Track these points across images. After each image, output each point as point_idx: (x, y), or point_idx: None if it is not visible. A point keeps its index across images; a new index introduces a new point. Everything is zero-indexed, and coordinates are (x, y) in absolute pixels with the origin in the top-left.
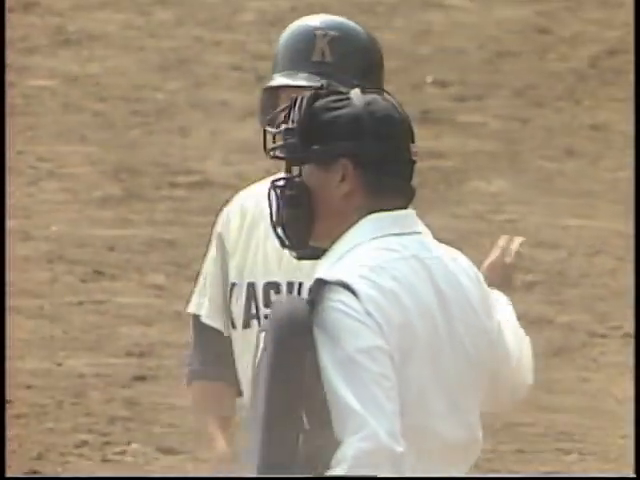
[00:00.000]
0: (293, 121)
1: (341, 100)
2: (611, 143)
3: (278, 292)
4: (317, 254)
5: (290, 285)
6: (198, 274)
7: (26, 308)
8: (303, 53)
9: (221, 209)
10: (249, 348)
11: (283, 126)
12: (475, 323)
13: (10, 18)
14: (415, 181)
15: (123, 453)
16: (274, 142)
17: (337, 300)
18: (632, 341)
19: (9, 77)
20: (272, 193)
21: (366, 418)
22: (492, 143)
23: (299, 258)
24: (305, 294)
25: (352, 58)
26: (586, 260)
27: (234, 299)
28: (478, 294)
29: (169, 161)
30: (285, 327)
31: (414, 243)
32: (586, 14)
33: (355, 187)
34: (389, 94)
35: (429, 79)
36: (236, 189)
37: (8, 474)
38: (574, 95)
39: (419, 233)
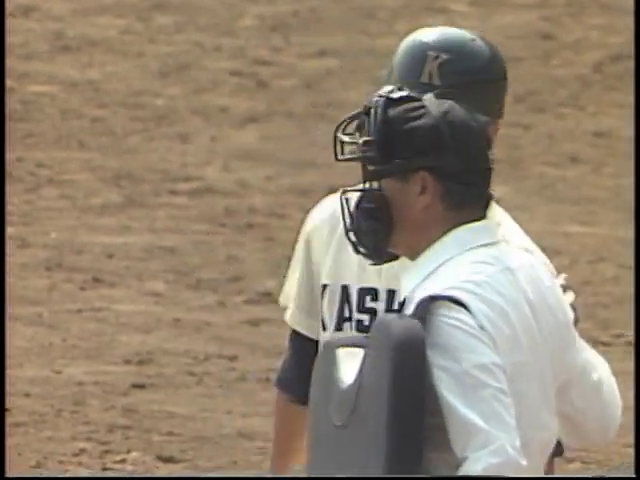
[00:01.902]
0: (370, 132)
1: (417, 109)
2: (614, 150)
3: (376, 299)
4: (392, 258)
5: (390, 293)
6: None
7: (24, 316)
8: (412, 73)
9: (308, 213)
10: None
11: (358, 136)
12: (556, 333)
13: (9, 23)
14: None
15: (123, 462)
16: (342, 148)
17: (450, 316)
18: (635, 349)
19: (8, 83)
20: (344, 202)
21: (491, 433)
22: (494, 149)
23: (375, 264)
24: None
25: (462, 82)
26: (588, 267)
27: (325, 301)
28: (555, 299)
29: (169, 167)
30: (406, 348)
31: (502, 254)
32: (589, 20)
33: (435, 199)
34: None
35: None
36: (237, 196)
37: None
38: (577, 101)
39: (501, 241)
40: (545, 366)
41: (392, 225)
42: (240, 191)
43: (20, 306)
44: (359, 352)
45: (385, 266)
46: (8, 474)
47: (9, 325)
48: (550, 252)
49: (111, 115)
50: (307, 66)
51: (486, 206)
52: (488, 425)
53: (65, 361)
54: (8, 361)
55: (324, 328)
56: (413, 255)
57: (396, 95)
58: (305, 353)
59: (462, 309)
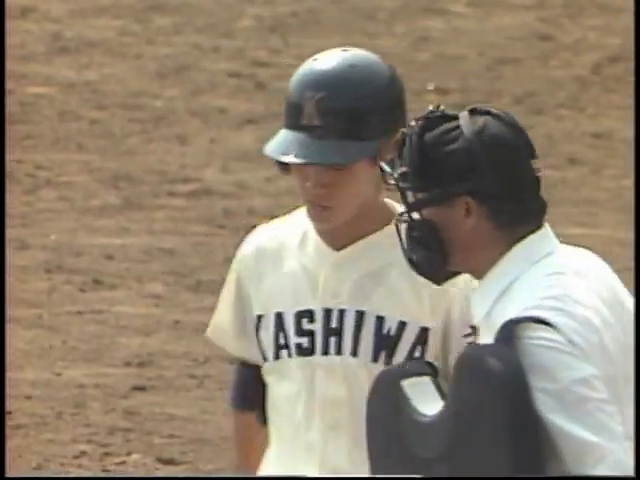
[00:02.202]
0: (406, 162)
1: (452, 130)
2: (614, 151)
3: (312, 320)
4: (453, 275)
5: (327, 312)
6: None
7: (24, 318)
8: (294, 116)
9: (240, 243)
10: (283, 378)
11: (398, 166)
12: (629, 327)
13: (7, 25)
14: None
15: (123, 464)
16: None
17: (538, 337)
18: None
19: (6, 85)
20: (398, 228)
21: (604, 447)
22: None
23: (438, 284)
24: (350, 321)
25: (342, 115)
26: None
27: (262, 332)
28: (620, 288)
29: (167, 169)
30: (508, 380)
31: (566, 259)
32: (588, 21)
33: (481, 220)
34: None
35: (430, 86)
36: (235, 198)
37: None
38: (576, 102)
39: (560, 245)
40: (631, 369)
41: (445, 249)
42: (239, 192)
43: (20, 308)
44: (426, 382)
45: (320, 285)
46: (8, 476)
47: (9, 327)
48: None
49: (109, 117)
50: None
51: (542, 215)
52: (599, 438)
53: (65, 363)
54: (8, 364)
55: (265, 359)
56: (476, 273)
57: (432, 116)
58: (252, 378)
59: (548, 327)
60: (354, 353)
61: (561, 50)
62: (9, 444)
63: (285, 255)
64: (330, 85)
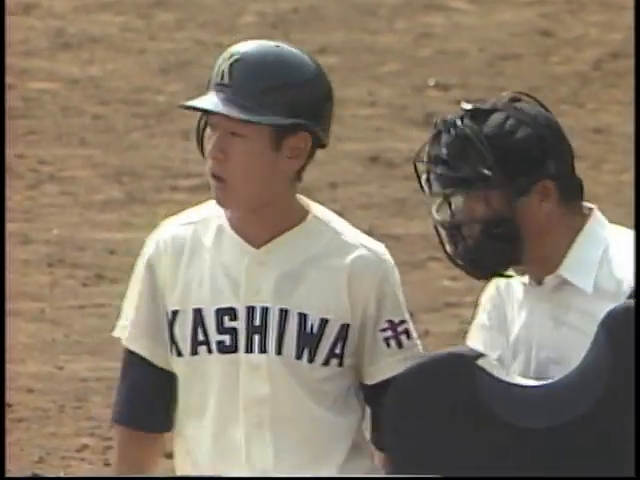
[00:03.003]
0: (480, 162)
1: (506, 120)
2: (614, 146)
3: (234, 318)
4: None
5: (250, 309)
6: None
7: (27, 312)
8: (213, 77)
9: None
10: (200, 376)
11: (441, 166)
12: None
13: (10, 21)
14: (418, 185)
15: None
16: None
17: None
18: (635, 348)
19: (9, 80)
20: (449, 232)
21: None
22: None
23: (487, 278)
24: (274, 319)
25: (250, 81)
26: None
27: (177, 327)
28: None
29: (170, 164)
30: None
31: (614, 228)
32: (589, 16)
33: (554, 201)
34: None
35: (431, 82)
36: None
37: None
38: (577, 98)
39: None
40: None
41: (522, 243)
42: None
43: (22, 302)
44: (494, 361)
45: (243, 284)
46: (11, 470)
47: (11, 321)
48: None
49: (112, 112)
50: None
51: (582, 186)
52: None
53: (67, 357)
54: (11, 357)
55: (179, 354)
56: (552, 258)
57: (474, 112)
58: (150, 381)
59: None
60: (278, 351)
61: (562, 46)
62: (11, 437)
63: (200, 251)
64: (249, 51)
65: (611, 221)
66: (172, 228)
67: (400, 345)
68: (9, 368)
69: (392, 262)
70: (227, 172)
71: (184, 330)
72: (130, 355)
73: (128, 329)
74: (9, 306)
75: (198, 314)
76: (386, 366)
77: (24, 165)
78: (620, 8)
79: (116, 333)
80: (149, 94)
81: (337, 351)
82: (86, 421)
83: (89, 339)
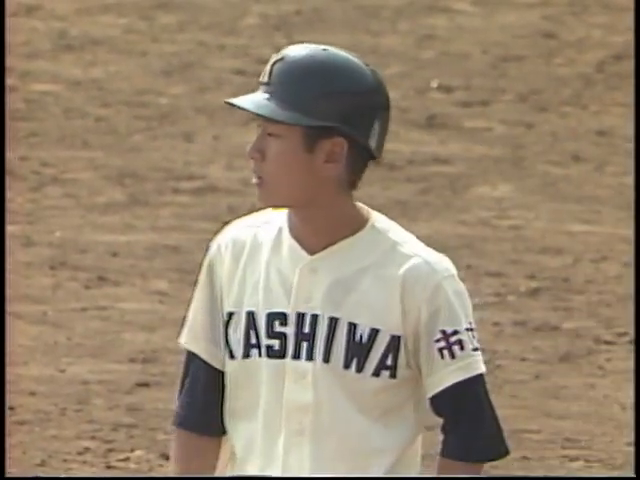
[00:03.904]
0: None
1: None
2: (617, 148)
3: (285, 323)
4: None
5: (300, 316)
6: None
7: (29, 314)
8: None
9: (212, 240)
10: (250, 379)
11: None
12: None
13: (12, 22)
14: (420, 187)
15: (127, 460)
16: None
17: None
18: (635, 348)
19: (11, 82)
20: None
21: None
22: (497, 148)
23: None
24: (323, 327)
25: (288, 81)
26: (592, 266)
27: (231, 329)
28: None
29: (172, 166)
30: None
31: None
32: (591, 18)
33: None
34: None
35: (434, 84)
36: (240, 195)
37: None
38: (580, 100)
39: None
40: None
41: None
42: (244, 189)
43: (24, 305)
44: None
45: (294, 289)
46: (13, 473)
47: (14, 324)
48: (553, 251)
49: (115, 114)
50: None
51: None
52: None
53: (70, 360)
54: (12, 359)
55: (232, 356)
56: None
57: None
58: (209, 383)
59: None
60: (326, 359)
61: (565, 48)
62: (13, 440)
63: (258, 254)
64: (294, 52)
65: (613, 223)
66: (235, 230)
67: (453, 356)
68: (11, 371)
69: (450, 272)
70: (264, 171)
71: (238, 332)
72: (190, 357)
73: (186, 331)
74: (11, 308)
75: (251, 317)
76: (441, 377)
77: (26, 167)
78: (623, 10)
79: (184, 340)
80: (151, 96)
81: (389, 362)
82: (88, 424)
83: (91, 342)
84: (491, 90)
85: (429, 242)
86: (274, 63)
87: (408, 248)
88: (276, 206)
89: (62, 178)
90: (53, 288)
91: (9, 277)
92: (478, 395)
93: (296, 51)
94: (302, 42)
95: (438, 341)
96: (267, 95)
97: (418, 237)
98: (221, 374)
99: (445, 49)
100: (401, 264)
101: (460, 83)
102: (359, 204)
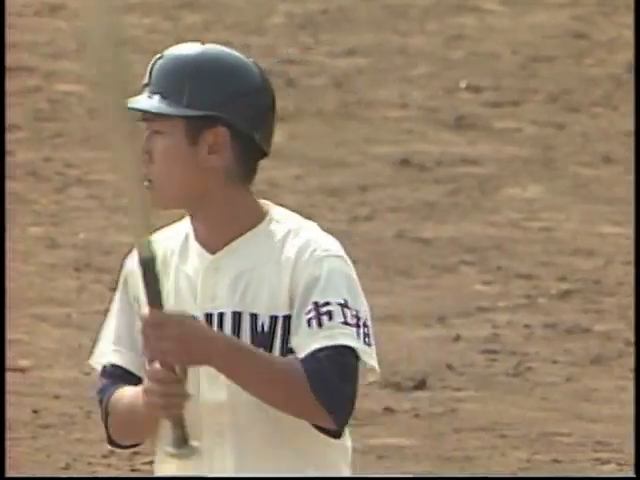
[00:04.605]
0: None
1: None
2: None
3: None
4: None
5: (208, 316)
6: None
7: (53, 317)
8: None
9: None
10: None
11: None
12: None
13: (36, 22)
14: (449, 188)
15: (151, 463)
16: None
17: None
18: (635, 348)
19: (35, 82)
20: None
21: None
22: (527, 149)
23: None
24: (228, 323)
25: (165, 77)
26: (623, 268)
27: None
28: None
29: None
30: None
31: None
32: (622, 19)
33: None
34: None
35: (463, 84)
36: (265, 195)
37: None
38: (611, 100)
39: None
40: None
41: None
42: (269, 190)
43: (49, 307)
44: None
45: (199, 291)
46: (36, 474)
47: (38, 326)
48: (584, 253)
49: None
50: (337, 65)
51: None
52: None
53: None
54: (37, 363)
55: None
56: None
57: None
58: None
59: None
60: None
61: (595, 48)
62: (37, 444)
63: (168, 261)
64: (170, 50)
65: None
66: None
67: (320, 324)
68: (35, 374)
69: (337, 252)
70: (152, 173)
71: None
72: (112, 367)
73: (106, 347)
74: (35, 311)
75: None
76: (306, 343)
77: (51, 168)
78: None
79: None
80: None
81: (288, 345)
82: None
83: None
84: (521, 90)
85: (458, 244)
86: (154, 63)
87: (303, 233)
88: (169, 207)
89: (86, 179)
90: (77, 290)
91: (33, 279)
92: (339, 364)
93: (174, 48)
94: (328, 42)
95: (309, 312)
96: (149, 94)
97: (446, 239)
98: (139, 380)
99: (474, 49)
100: (293, 249)
101: (489, 83)
102: (262, 200)
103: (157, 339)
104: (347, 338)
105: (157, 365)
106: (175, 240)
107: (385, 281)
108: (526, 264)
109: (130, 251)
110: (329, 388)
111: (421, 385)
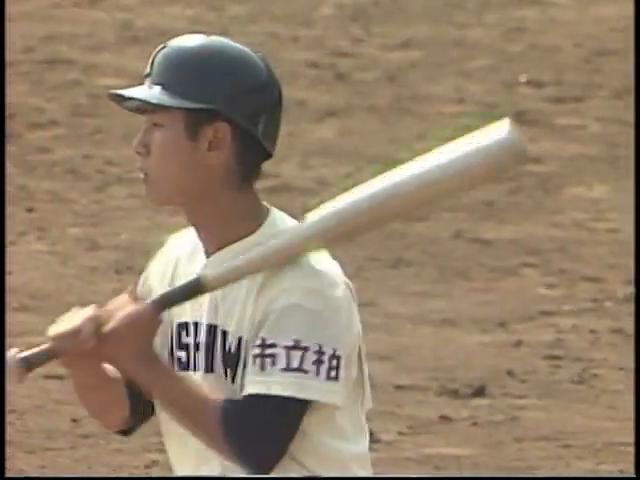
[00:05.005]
0: None
1: None
2: None
3: (188, 334)
4: None
5: (195, 325)
6: None
7: None
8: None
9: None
10: None
11: None
12: None
13: (75, 13)
14: (509, 187)
15: None
16: None
17: None
18: (634, 346)
19: (74, 76)
20: None
21: None
22: (592, 147)
23: None
24: (204, 335)
25: (167, 68)
26: None
27: (158, 339)
28: None
29: None
30: None
31: None
32: None
33: None
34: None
35: (523, 78)
36: (315, 194)
37: None
38: None
39: None
40: None
41: None
42: (319, 189)
43: None
44: None
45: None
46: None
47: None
48: None
49: None
50: (390, 58)
51: None
52: None
53: None
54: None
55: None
56: None
57: None
58: None
59: None
60: (210, 369)
61: None
62: (77, 454)
63: (179, 264)
64: (174, 41)
65: None
66: (167, 244)
67: (262, 367)
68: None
69: (310, 285)
70: (148, 166)
71: (161, 342)
72: None
73: None
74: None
75: (170, 327)
76: (245, 384)
77: (91, 166)
78: None
79: None
80: None
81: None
82: (155, 436)
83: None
84: (584, 86)
85: (519, 245)
86: (156, 53)
87: None
88: (164, 203)
89: (128, 177)
90: (119, 294)
91: (72, 283)
92: (264, 418)
93: (178, 39)
94: (380, 34)
95: (255, 348)
96: (149, 85)
97: (507, 240)
98: None
99: (535, 42)
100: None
101: (551, 78)
102: (266, 206)
103: (114, 319)
104: (284, 388)
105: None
106: (189, 242)
107: (442, 284)
108: (592, 267)
109: (176, 233)
110: (241, 441)
111: (480, 392)
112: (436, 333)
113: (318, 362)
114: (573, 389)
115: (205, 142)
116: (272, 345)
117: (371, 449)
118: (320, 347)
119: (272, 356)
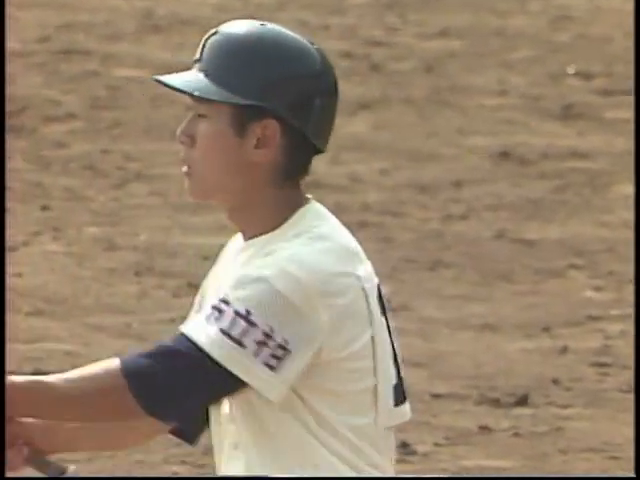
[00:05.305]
0: None
1: None
2: None
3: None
4: None
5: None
6: None
7: (111, 326)
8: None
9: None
10: None
11: None
12: None
13: (93, 1)
14: (555, 184)
15: None
16: None
17: None
18: (634, 345)
19: (92, 67)
20: None
21: None
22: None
23: None
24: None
25: (219, 57)
26: None
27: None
28: None
29: None
30: None
31: None
32: None
33: None
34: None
35: (570, 70)
36: (348, 191)
37: None
38: None
39: None
40: None
41: None
42: (352, 186)
43: (107, 315)
44: None
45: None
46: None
47: (95, 337)
48: None
49: None
50: (427, 47)
51: None
52: None
53: None
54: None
55: None
56: None
57: None
58: None
59: None
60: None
61: None
62: (94, 467)
63: (228, 258)
64: (228, 27)
65: None
66: (230, 241)
67: (207, 318)
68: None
69: (282, 267)
70: (192, 158)
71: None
72: None
73: None
74: (92, 320)
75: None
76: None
77: (109, 162)
78: None
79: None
80: None
81: None
82: (176, 448)
83: None
84: (635, 78)
85: (565, 246)
86: (207, 38)
87: (278, 254)
88: (206, 198)
89: (148, 174)
90: (138, 297)
91: (89, 285)
92: (178, 362)
93: (231, 25)
94: (417, 22)
95: (214, 297)
96: (197, 72)
97: (553, 240)
98: None
99: (583, 31)
100: (243, 264)
101: (600, 69)
102: (309, 197)
103: None
104: (212, 345)
105: None
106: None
107: (483, 287)
108: None
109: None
110: (144, 379)
111: (522, 401)
112: (476, 339)
113: (262, 344)
114: (621, 398)
115: (253, 139)
116: (226, 302)
117: (406, 461)
118: (271, 330)
119: (220, 311)
